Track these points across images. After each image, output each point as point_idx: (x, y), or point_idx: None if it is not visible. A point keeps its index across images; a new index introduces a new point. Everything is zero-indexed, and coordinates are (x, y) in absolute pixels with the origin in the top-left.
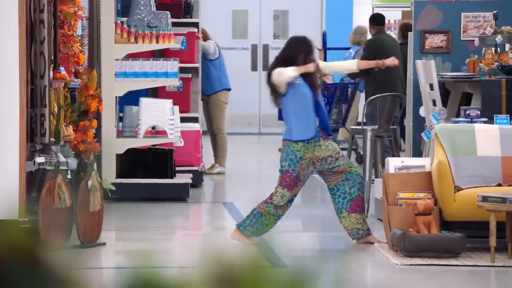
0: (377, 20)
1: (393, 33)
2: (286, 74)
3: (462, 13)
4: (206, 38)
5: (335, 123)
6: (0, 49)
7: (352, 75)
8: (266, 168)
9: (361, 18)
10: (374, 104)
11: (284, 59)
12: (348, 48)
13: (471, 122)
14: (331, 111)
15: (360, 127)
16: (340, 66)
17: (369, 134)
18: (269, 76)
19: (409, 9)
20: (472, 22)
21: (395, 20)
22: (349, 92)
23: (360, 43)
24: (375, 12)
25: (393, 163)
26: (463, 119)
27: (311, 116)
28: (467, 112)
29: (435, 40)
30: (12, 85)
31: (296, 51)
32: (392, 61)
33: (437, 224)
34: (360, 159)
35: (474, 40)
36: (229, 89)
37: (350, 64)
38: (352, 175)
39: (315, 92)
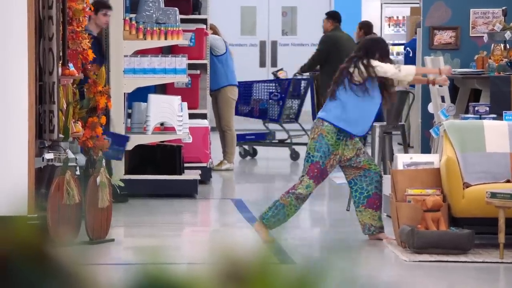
0: (335, 16)
1: (403, 30)
2: (408, 72)
3: (471, 9)
4: (215, 32)
5: (287, 118)
6: (9, 46)
7: (304, 69)
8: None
9: (369, 14)
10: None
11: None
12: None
13: (480, 118)
14: (283, 106)
15: None
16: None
17: (377, 130)
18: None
19: (417, 5)
20: (481, 18)
21: (404, 17)
22: (302, 88)
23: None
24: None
25: (401, 160)
26: (472, 116)
27: (370, 118)
28: (476, 108)
29: (444, 36)
30: (20, 82)
31: (372, 51)
32: (443, 81)
33: (445, 221)
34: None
35: (483, 36)
36: (236, 85)
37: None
38: (370, 172)
39: (384, 98)
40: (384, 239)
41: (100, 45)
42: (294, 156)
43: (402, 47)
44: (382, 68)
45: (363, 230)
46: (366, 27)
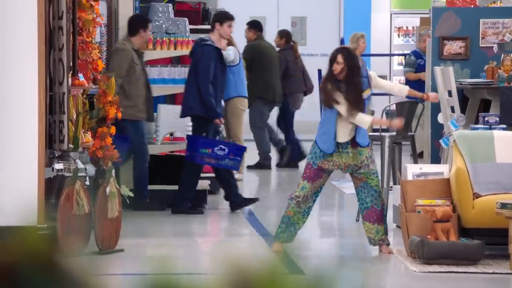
0: (257, 25)
1: (412, 40)
2: (364, 122)
3: (480, 20)
4: (230, 43)
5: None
6: (19, 56)
7: None
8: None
9: (379, 25)
10: (392, 112)
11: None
12: (367, 55)
13: (490, 128)
14: None
15: (378, 133)
16: (391, 87)
17: (387, 140)
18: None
19: (427, 15)
20: (491, 28)
21: (413, 27)
22: None
23: (356, 49)
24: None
25: (411, 170)
26: (482, 126)
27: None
28: (486, 118)
29: (454, 47)
30: (31, 92)
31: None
32: (433, 98)
33: (455, 231)
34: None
35: (493, 46)
36: (245, 97)
37: (400, 90)
38: (367, 185)
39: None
40: (386, 252)
41: (221, 55)
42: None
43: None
44: (339, 107)
45: (369, 242)
46: (286, 35)
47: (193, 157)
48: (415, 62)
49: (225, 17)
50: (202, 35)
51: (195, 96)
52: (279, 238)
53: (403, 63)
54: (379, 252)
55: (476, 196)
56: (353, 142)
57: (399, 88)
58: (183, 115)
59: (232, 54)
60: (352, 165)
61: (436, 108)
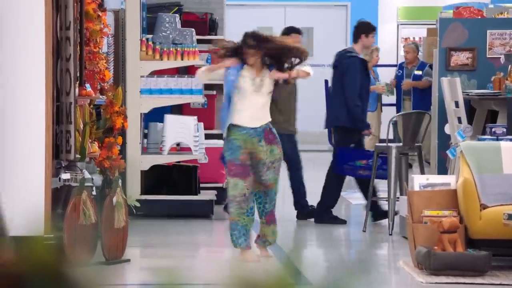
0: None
1: (420, 51)
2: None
3: (487, 31)
4: None
5: None
6: (26, 66)
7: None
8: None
9: (385, 36)
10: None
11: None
12: (375, 66)
13: (497, 139)
14: None
15: (384, 144)
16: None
17: (393, 151)
18: None
19: (434, 26)
20: (498, 39)
21: (420, 38)
22: None
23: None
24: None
25: (418, 181)
26: (489, 137)
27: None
28: (493, 129)
29: (461, 58)
30: (38, 102)
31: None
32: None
33: (462, 242)
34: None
35: (500, 57)
36: None
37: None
38: (271, 193)
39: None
40: (265, 255)
41: (366, 66)
42: None
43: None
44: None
45: (256, 239)
46: None
47: (343, 170)
48: (395, 73)
49: (370, 28)
50: (208, 45)
51: (342, 107)
52: (240, 244)
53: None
54: (259, 251)
55: (483, 207)
56: (268, 138)
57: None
58: (328, 126)
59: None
60: (263, 161)
61: (443, 118)
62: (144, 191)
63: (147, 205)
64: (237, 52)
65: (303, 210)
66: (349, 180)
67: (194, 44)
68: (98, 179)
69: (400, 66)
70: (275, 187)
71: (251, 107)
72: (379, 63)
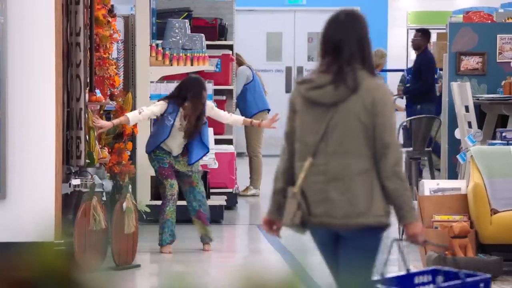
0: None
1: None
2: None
3: (497, 35)
4: (240, 63)
5: None
6: (37, 72)
7: None
8: None
9: (395, 40)
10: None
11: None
12: (383, 71)
13: (507, 144)
14: None
15: None
16: (225, 118)
17: (403, 156)
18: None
19: (444, 30)
20: (508, 44)
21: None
22: None
23: (379, 66)
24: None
25: (428, 186)
26: (499, 141)
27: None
28: (503, 134)
29: (471, 62)
30: (48, 108)
31: (186, 90)
32: (266, 125)
33: (473, 247)
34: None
35: (510, 62)
36: (266, 110)
37: (235, 120)
38: (195, 190)
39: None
40: (208, 250)
41: None
42: None
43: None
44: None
45: (202, 240)
46: None
47: None
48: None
49: None
50: (218, 51)
51: None
52: (167, 241)
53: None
54: (203, 250)
55: (494, 212)
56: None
57: (233, 118)
58: None
59: (246, 72)
60: (183, 171)
61: (453, 123)
62: (154, 196)
63: (157, 211)
64: None
65: None
66: None
67: (203, 50)
68: (108, 184)
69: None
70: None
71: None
72: (388, 67)
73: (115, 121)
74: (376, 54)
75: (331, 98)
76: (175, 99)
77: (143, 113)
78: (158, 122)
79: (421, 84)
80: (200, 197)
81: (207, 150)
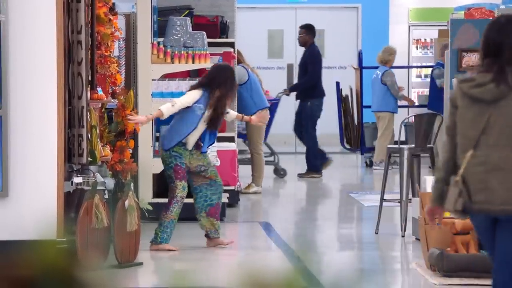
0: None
1: (431, 53)
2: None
3: None
4: (239, 61)
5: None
6: (38, 70)
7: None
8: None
9: (397, 37)
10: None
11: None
12: (377, 67)
13: None
14: (270, 127)
15: (396, 146)
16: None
17: (405, 153)
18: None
19: (445, 27)
20: None
21: (431, 39)
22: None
23: (388, 62)
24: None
25: (430, 182)
26: None
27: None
28: None
29: (472, 59)
30: (50, 106)
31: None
32: (255, 121)
33: (475, 244)
34: (279, 174)
35: None
36: (265, 108)
37: (229, 116)
38: (216, 183)
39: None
40: (225, 245)
41: None
42: (282, 173)
43: (430, 69)
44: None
45: (209, 233)
46: None
47: None
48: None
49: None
50: (220, 49)
51: None
52: (166, 241)
53: (432, 76)
54: (207, 244)
55: None
56: (199, 149)
57: (229, 115)
58: None
59: (241, 72)
60: (199, 165)
61: None
62: (156, 194)
63: (159, 209)
64: None
65: None
66: (361, 182)
67: (205, 47)
68: (110, 182)
69: (442, 66)
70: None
71: None
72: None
73: (150, 116)
74: (385, 51)
75: (492, 95)
76: (207, 88)
77: (176, 106)
78: (181, 113)
79: (306, 79)
80: (221, 189)
81: (215, 139)
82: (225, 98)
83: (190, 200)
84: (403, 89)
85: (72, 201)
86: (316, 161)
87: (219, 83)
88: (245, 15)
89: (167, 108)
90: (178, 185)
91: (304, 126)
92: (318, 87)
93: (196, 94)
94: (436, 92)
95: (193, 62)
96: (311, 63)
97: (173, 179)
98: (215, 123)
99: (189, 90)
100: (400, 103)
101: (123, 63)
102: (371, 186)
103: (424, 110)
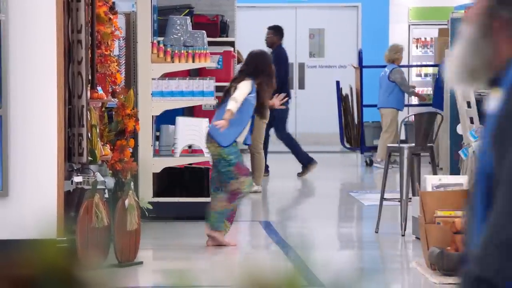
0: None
1: (431, 52)
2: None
3: None
4: (239, 60)
5: None
6: (38, 69)
7: None
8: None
9: (397, 36)
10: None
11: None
12: (384, 66)
13: None
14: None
15: (397, 144)
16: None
17: (406, 152)
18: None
19: (446, 26)
20: None
21: (432, 38)
22: None
23: (395, 60)
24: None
25: (430, 181)
26: None
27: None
28: None
29: None
30: (50, 105)
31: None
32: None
33: None
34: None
35: None
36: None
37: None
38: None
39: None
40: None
41: None
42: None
43: (431, 68)
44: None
45: (217, 227)
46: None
47: None
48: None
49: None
50: (220, 48)
51: None
52: (221, 227)
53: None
54: (208, 243)
55: None
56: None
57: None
58: None
59: None
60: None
61: (455, 119)
62: (156, 193)
63: (159, 208)
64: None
65: None
66: (361, 181)
67: (205, 46)
68: (110, 181)
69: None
70: None
71: None
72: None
73: (227, 117)
74: (391, 50)
75: None
76: (252, 77)
77: (239, 100)
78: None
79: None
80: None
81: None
82: (269, 85)
83: (194, 200)
84: (415, 87)
85: (72, 200)
86: (303, 155)
87: (262, 70)
88: (245, 14)
89: (233, 105)
90: (244, 181)
91: (275, 128)
92: (283, 90)
93: (249, 84)
94: (440, 91)
95: (193, 61)
96: (277, 65)
97: (237, 175)
98: (263, 111)
99: (235, 83)
100: (407, 101)
101: (123, 62)
102: (371, 185)
103: (425, 109)
